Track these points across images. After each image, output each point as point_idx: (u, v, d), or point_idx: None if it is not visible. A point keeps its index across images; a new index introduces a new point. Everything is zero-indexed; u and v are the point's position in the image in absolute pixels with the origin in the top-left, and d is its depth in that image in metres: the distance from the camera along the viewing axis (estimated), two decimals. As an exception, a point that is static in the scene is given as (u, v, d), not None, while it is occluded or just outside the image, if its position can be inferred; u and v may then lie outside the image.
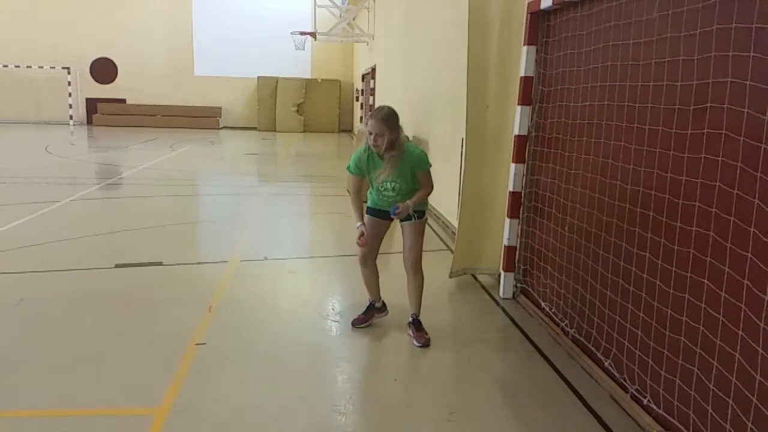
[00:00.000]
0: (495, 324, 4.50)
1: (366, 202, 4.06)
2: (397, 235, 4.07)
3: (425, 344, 3.94)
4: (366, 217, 4.02)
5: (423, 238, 4.03)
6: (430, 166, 3.91)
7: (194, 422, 2.98)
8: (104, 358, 3.65)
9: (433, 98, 7.85)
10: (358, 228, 3.92)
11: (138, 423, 2.95)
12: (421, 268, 4.05)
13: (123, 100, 25.96)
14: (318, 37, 20.53)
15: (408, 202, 3.81)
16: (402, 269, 4.12)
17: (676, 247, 2.83)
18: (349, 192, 3.87)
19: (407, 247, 4.01)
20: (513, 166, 4.68)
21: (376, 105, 3.98)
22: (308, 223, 8.59)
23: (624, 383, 3.26)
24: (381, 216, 3.99)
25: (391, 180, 3.85)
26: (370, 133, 3.73)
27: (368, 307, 4.25)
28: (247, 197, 9.86)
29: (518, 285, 4.91)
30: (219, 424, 2.98)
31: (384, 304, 4.29)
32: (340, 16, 20.40)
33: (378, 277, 4.19)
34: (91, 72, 25.88)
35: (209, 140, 20.24)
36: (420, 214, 3.97)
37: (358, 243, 3.93)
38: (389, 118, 3.73)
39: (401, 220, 3.99)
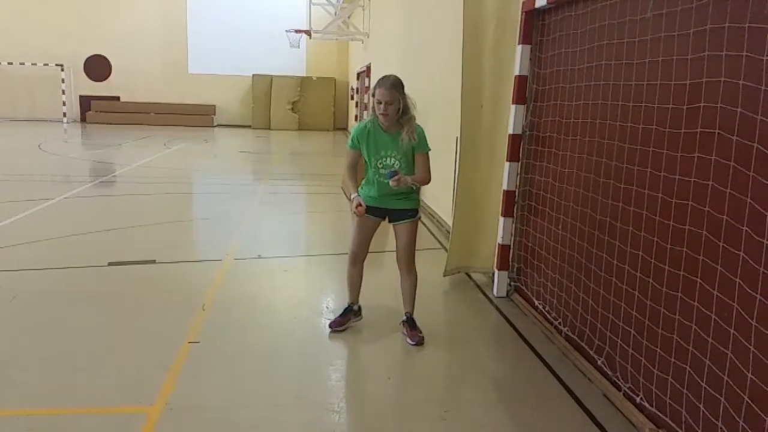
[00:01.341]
0: (489, 322, 4.51)
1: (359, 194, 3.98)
2: (389, 234, 4.05)
3: (419, 343, 3.94)
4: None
5: (416, 237, 4.01)
6: (430, 149, 3.88)
7: (187, 420, 2.97)
8: (97, 356, 3.64)
9: (428, 97, 7.85)
10: (354, 198, 3.80)
11: (131, 421, 2.94)
12: (414, 266, 4.04)
13: (117, 98, 25.85)
14: (313, 35, 20.49)
15: (408, 177, 3.73)
16: (394, 269, 4.11)
17: (669, 246, 2.84)
18: (343, 190, 3.83)
19: (401, 246, 4.00)
20: (507, 164, 4.69)
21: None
22: (303, 221, 8.58)
23: (617, 381, 3.27)
24: (372, 213, 3.92)
25: (392, 155, 3.79)
26: (380, 102, 3.67)
27: (346, 309, 4.16)
28: (241, 195, 9.83)
29: (512, 283, 4.92)
30: (212, 422, 2.98)
31: (360, 308, 4.22)
32: (335, 14, 20.36)
33: (362, 279, 4.13)
34: (84, 69, 25.76)
35: (203, 138, 20.18)
36: (414, 213, 3.95)
37: (355, 212, 3.78)
38: (398, 84, 3.70)
39: (393, 220, 3.95)
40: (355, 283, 4.13)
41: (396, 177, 3.66)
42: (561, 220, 4.06)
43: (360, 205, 3.76)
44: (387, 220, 3.99)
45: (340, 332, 4.04)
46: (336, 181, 10.03)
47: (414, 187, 3.91)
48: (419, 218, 4.02)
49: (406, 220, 3.94)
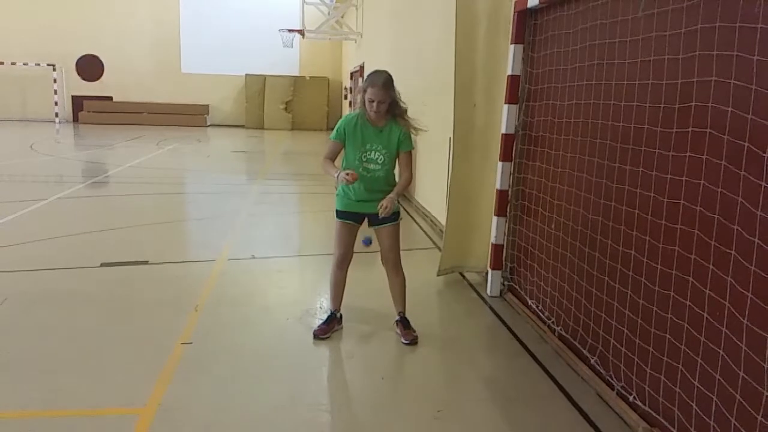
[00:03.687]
0: (482, 322, 4.51)
1: (337, 200, 3.94)
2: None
3: (413, 342, 3.94)
4: (337, 222, 3.93)
5: (399, 237, 3.99)
6: (414, 148, 3.88)
7: (180, 422, 2.96)
8: (89, 358, 3.62)
9: (422, 96, 7.85)
10: (339, 173, 3.67)
11: (124, 423, 2.93)
12: (401, 266, 4.03)
13: (109, 98, 25.73)
14: (306, 34, 20.45)
15: (391, 195, 3.72)
16: (380, 270, 4.09)
17: (661, 245, 2.85)
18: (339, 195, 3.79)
19: (386, 248, 3.96)
20: (500, 164, 4.69)
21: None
22: (296, 221, 8.56)
23: (610, 380, 3.28)
24: (352, 219, 3.90)
25: (377, 149, 3.77)
26: (372, 101, 3.66)
27: (329, 317, 4.11)
28: (234, 195, 9.81)
29: (505, 283, 4.93)
30: (205, 423, 2.97)
31: (341, 315, 4.17)
32: (329, 13, 20.34)
33: (345, 284, 4.10)
34: (77, 69, 25.62)
35: (196, 138, 20.12)
36: (395, 216, 3.89)
37: (347, 178, 3.60)
38: (389, 83, 3.70)
39: (374, 224, 3.92)
40: (340, 288, 4.09)
41: (382, 213, 3.66)
42: (554, 220, 4.07)
43: (348, 174, 3.63)
44: (367, 224, 3.95)
45: (324, 339, 3.99)
46: (330, 181, 10.01)
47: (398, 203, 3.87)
48: (401, 219, 4.00)
49: (388, 224, 3.90)
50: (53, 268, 5.37)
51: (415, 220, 7.92)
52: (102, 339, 3.90)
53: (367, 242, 3.72)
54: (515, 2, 4.45)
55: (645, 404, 2.96)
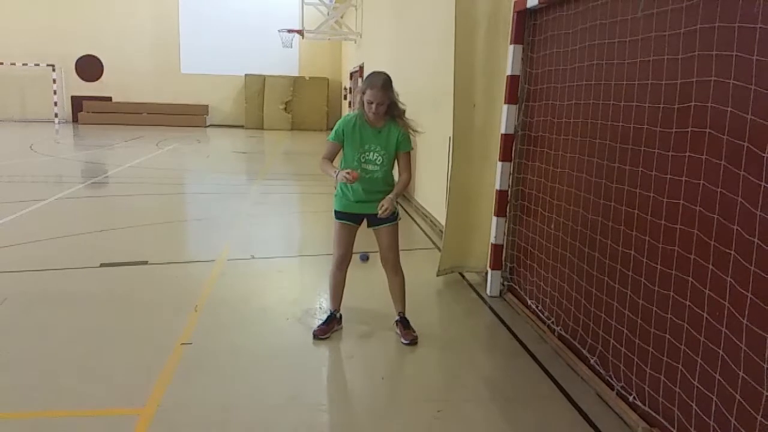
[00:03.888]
0: (482, 322, 4.51)
1: (335, 201, 3.94)
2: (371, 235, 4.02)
3: (413, 342, 3.94)
4: (335, 223, 3.93)
5: (398, 237, 3.99)
6: (412, 148, 3.88)
7: (180, 422, 2.96)
8: (89, 358, 3.62)
9: (421, 97, 7.86)
10: (339, 172, 3.67)
11: (123, 423, 2.93)
12: (400, 266, 4.03)
13: (109, 98, 25.71)
14: (305, 35, 20.45)
15: (389, 196, 3.73)
16: (380, 270, 4.09)
17: (660, 245, 2.85)
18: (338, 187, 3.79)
19: (386, 248, 3.96)
20: (500, 164, 4.70)
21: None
22: (296, 221, 8.56)
23: (610, 380, 3.28)
24: (351, 220, 3.91)
25: (375, 150, 3.78)
26: (371, 102, 3.66)
27: (329, 317, 4.11)
28: (234, 196, 9.81)
29: (505, 283, 4.93)
30: (205, 424, 2.97)
31: (341, 316, 4.17)
32: (328, 14, 20.34)
33: (344, 284, 4.11)
34: (76, 69, 25.61)
35: (196, 138, 20.12)
36: (394, 216, 3.89)
37: (347, 177, 3.60)
38: (388, 85, 3.70)
39: (373, 225, 3.92)
40: (339, 288, 4.09)
41: (381, 207, 3.68)
42: (553, 220, 4.07)
43: (349, 172, 3.63)
44: (366, 225, 3.96)
45: (324, 339, 3.99)
46: (329, 181, 10.01)
47: (391, 219, 3.87)
48: (400, 219, 4.00)
49: (387, 224, 3.90)
50: (53, 268, 5.37)
51: (414, 220, 7.92)
52: (101, 339, 3.90)
53: (364, 258, 3.71)
54: (514, 2, 4.45)
55: (645, 404, 2.96)
